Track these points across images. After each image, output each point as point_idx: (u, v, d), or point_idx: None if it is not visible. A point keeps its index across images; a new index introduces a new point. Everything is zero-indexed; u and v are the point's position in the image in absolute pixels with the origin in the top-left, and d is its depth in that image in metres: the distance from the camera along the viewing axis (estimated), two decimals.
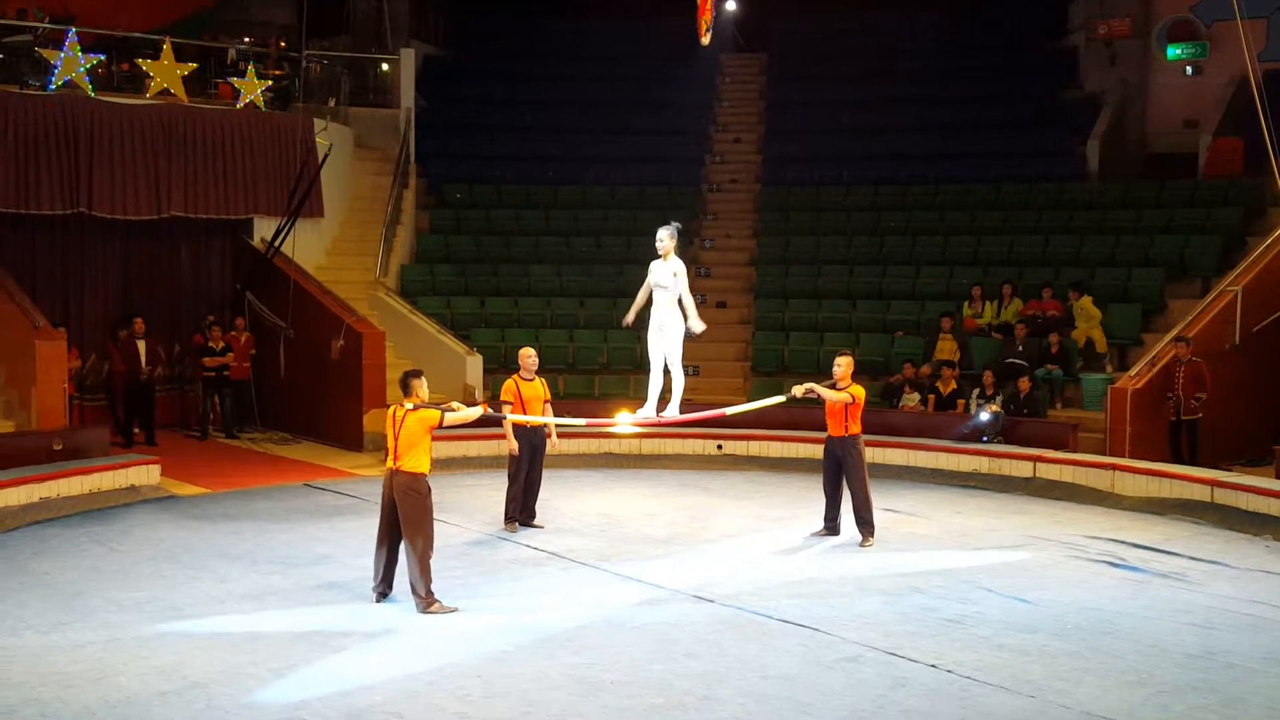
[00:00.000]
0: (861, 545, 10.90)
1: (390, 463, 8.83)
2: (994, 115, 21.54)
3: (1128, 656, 7.85)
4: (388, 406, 15.29)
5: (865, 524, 11.00)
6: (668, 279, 10.13)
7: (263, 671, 7.41)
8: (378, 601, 8.90)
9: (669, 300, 10.11)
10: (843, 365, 11.16)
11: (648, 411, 10.44)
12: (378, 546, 8.95)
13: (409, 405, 8.81)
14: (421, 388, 8.91)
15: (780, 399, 11.18)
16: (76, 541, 10.92)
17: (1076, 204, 19.36)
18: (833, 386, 11.08)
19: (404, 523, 8.70)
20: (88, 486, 12.55)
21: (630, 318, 10.57)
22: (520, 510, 11.59)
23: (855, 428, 11.09)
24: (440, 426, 8.80)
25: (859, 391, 11.09)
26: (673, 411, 10.39)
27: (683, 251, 20.82)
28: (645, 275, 10.22)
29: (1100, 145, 20.10)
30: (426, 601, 8.62)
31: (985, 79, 22.39)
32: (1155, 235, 17.95)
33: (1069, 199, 19.50)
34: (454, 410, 8.94)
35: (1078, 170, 20.14)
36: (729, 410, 11.11)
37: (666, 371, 10.18)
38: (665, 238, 10.08)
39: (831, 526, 11.29)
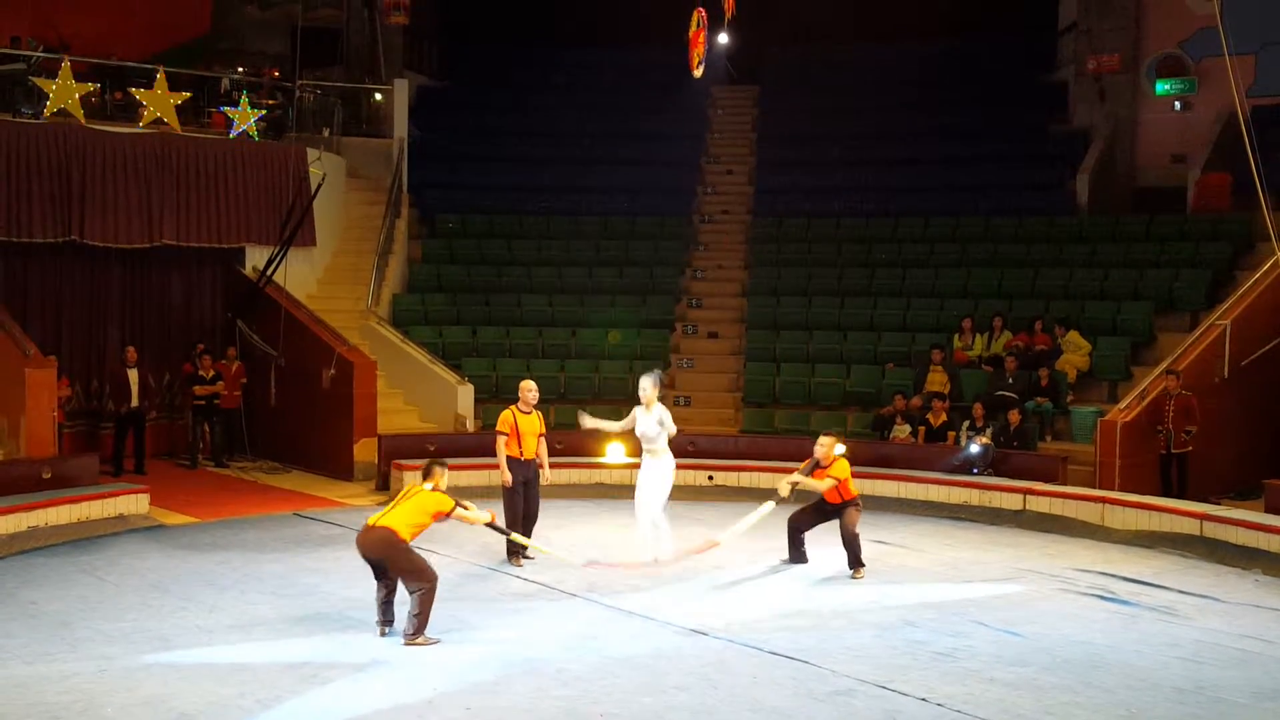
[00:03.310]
0: (853, 577, 10.88)
1: (372, 519, 8.73)
2: (984, 149, 21.67)
3: (1118, 691, 7.84)
4: (378, 436, 15.49)
5: (855, 562, 10.98)
6: (653, 429, 10.20)
7: (250, 703, 7.36)
8: (380, 635, 8.80)
9: (659, 450, 10.19)
10: (824, 446, 11.07)
11: (644, 559, 10.54)
12: (377, 590, 8.87)
13: (427, 486, 8.88)
14: (443, 478, 8.99)
15: (771, 506, 11.14)
16: (64, 571, 10.86)
17: (1066, 237, 19.45)
18: (817, 464, 11.08)
19: (402, 576, 8.63)
20: (76, 515, 12.49)
21: (587, 424, 10.87)
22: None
23: (851, 493, 11.13)
24: (447, 516, 8.82)
25: (842, 471, 11.01)
26: (667, 551, 10.48)
27: (674, 280, 20.70)
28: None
29: (1090, 179, 20.21)
30: (412, 637, 8.57)
31: (976, 113, 22.52)
32: (1144, 269, 18.04)
33: (1059, 232, 19.60)
34: (466, 508, 9.00)
35: (1067, 204, 20.25)
36: (721, 538, 11.07)
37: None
38: (648, 387, 10.17)
39: (797, 556, 11.28)
